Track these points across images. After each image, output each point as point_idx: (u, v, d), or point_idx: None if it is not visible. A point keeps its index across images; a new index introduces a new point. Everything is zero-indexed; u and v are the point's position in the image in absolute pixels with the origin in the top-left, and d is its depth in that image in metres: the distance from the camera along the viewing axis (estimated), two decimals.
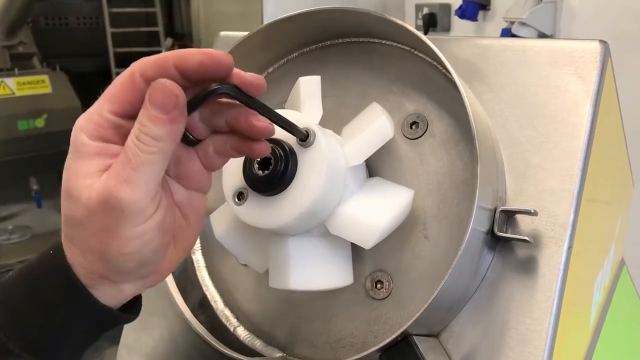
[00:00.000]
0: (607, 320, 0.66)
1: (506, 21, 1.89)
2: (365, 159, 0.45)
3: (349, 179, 0.44)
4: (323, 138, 0.42)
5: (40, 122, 3.32)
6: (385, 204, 0.44)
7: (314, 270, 0.45)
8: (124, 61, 4.69)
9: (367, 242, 0.43)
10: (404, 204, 0.44)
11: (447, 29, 2.22)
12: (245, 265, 0.53)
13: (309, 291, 0.45)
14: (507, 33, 1.85)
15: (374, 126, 0.44)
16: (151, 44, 4.71)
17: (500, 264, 0.45)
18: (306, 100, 0.47)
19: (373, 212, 0.43)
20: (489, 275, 0.45)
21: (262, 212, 0.43)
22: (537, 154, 0.45)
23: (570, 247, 0.43)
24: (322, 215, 0.43)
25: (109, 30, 4.56)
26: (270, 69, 0.56)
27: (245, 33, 0.52)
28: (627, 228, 0.78)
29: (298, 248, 0.45)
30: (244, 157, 0.43)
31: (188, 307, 0.50)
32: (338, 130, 0.48)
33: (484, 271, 0.45)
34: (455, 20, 2.16)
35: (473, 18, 2.04)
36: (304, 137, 0.42)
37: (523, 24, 1.80)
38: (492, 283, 0.45)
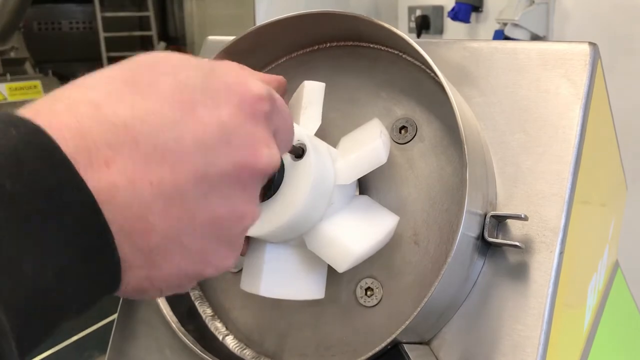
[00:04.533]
0: (602, 324, 0.66)
1: (499, 23, 1.90)
2: (354, 179, 0.44)
3: (335, 197, 0.43)
4: (313, 154, 0.41)
5: None
6: (367, 230, 0.43)
7: (286, 280, 0.44)
8: None
9: (340, 265, 0.42)
10: (385, 232, 0.44)
11: (440, 31, 2.22)
12: (235, 272, 0.52)
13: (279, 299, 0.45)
14: (499, 35, 1.85)
15: (368, 149, 0.43)
16: (145, 48, 4.71)
17: (491, 270, 0.44)
18: (307, 107, 0.46)
19: (352, 236, 0.43)
20: (480, 281, 0.44)
21: None
22: (527, 157, 0.45)
23: (561, 252, 0.43)
24: (302, 229, 0.43)
25: (102, 34, 4.56)
26: None
27: (233, 37, 0.51)
28: (621, 230, 0.78)
29: (274, 256, 0.44)
30: None
31: (176, 316, 0.50)
32: (326, 135, 0.48)
33: (475, 277, 0.44)
34: (448, 23, 2.16)
35: (466, 20, 2.04)
36: (300, 155, 0.41)
37: (516, 25, 1.80)
38: (483, 289, 0.44)
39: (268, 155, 0.30)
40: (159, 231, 0.26)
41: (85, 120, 0.25)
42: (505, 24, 1.85)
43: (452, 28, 2.16)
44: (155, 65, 0.28)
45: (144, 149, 0.25)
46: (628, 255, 0.92)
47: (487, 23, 2.06)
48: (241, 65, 0.33)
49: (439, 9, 2.21)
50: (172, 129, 0.26)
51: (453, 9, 2.04)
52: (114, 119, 0.25)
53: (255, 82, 0.30)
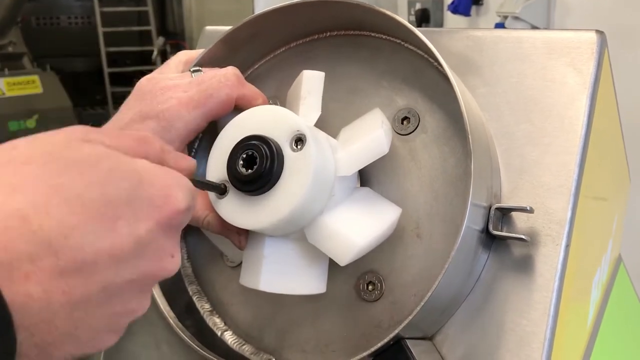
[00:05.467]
0: (605, 319, 0.65)
1: (499, 16, 1.89)
2: (356, 170, 0.43)
3: (336, 189, 0.42)
4: (314, 144, 0.40)
5: (31, 123, 3.31)
6: (369, 222, 0.42)
7: (286, 275, 0.44)
8: (116, 60, 4.68)
9: (342, 258, 0.41)
10: (388, 224, 0.43)
11: (440, 24, 2.21)
12: (234, 267, 0.51)
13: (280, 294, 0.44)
14: (500, 28, 1.84)
15: (369, 140, 0.42)
16: (143, 43, 4.70)
17: (495, 264, 0.43)
18: (306, 96, 0.45)
19: (354, 229, 0.42)
20: (484, 275, 0.43)
21: (241, 210, 0.42)
22: (533, 149, 0.44)
23: (567, 245, 0.42)
24: (303, 222, 0.42)
25: (100, 29, 4.55)
26: (257, 65, 0.54)
27: (230, 27, 0.50)
28: (624, 224, 0.77)
29: (274, 249, 0.43)
30: (230, 149, 0.42)
31: (174, 311, 0.49)
32: (327, 126, 0.47)
33: (479, 271, 0.43)
34: (448, 16, 2.15)
35: (466, 13, 2.03)
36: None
37: (516, 18, 1.79)
38: (487, 283, 0.43)
39: (171, 263, 0.32)
40: (59, 329, 0.28)
41: (11, 234, 0.26)
42: (505, 17, 1.84)
43: (452, 21, 2.15)
44: (85, 170, 0.29)
45: (63, 263, 0.27)
46: (631, 250, 0.91)
47: (488, 16, 2.05)
48: (171, 171, 0.33)
49: (439, 2, 2.20)
50: (92, 243, 0.28)
51: (453, 2, 2.03)
52: (40, 234, 0.26)
53: (178, 195, 0.32)
